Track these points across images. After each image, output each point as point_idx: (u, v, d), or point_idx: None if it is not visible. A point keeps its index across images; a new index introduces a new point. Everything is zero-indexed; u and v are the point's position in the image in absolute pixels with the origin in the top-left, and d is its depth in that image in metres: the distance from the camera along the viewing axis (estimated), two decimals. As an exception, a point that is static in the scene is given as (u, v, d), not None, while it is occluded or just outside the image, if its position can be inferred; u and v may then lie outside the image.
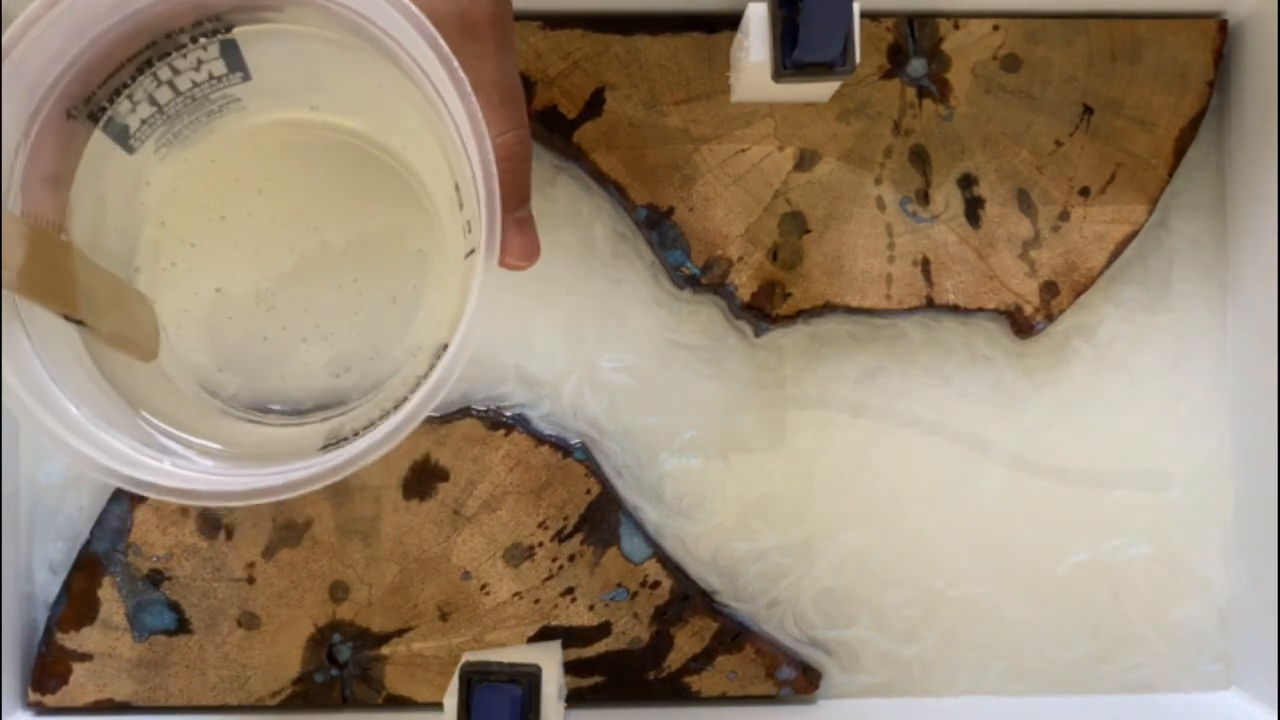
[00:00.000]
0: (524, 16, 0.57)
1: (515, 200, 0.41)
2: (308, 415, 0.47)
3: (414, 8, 0.36)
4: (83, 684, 0.56)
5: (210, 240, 0.46)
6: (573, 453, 0.57)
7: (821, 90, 0.55)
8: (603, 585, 0.57)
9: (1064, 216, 0.58)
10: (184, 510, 0.56)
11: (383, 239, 0.47)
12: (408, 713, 0.57)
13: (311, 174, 0.46)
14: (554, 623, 0.57)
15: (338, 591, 0.57)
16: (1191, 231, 0.60)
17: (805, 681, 0.58)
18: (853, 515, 0.59)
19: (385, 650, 0.57)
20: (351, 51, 0.41)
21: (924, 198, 0.57)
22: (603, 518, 0.57)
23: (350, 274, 0.46)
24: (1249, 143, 0.58)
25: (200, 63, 0.41)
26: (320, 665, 0.57)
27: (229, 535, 0.56)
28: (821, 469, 0.59)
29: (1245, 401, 0.59)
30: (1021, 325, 0.58)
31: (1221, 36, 0.58)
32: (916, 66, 0.58)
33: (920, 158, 0.58)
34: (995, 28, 0.58)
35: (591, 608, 0.57)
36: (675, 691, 0.57)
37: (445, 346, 0.39)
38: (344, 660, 0.57)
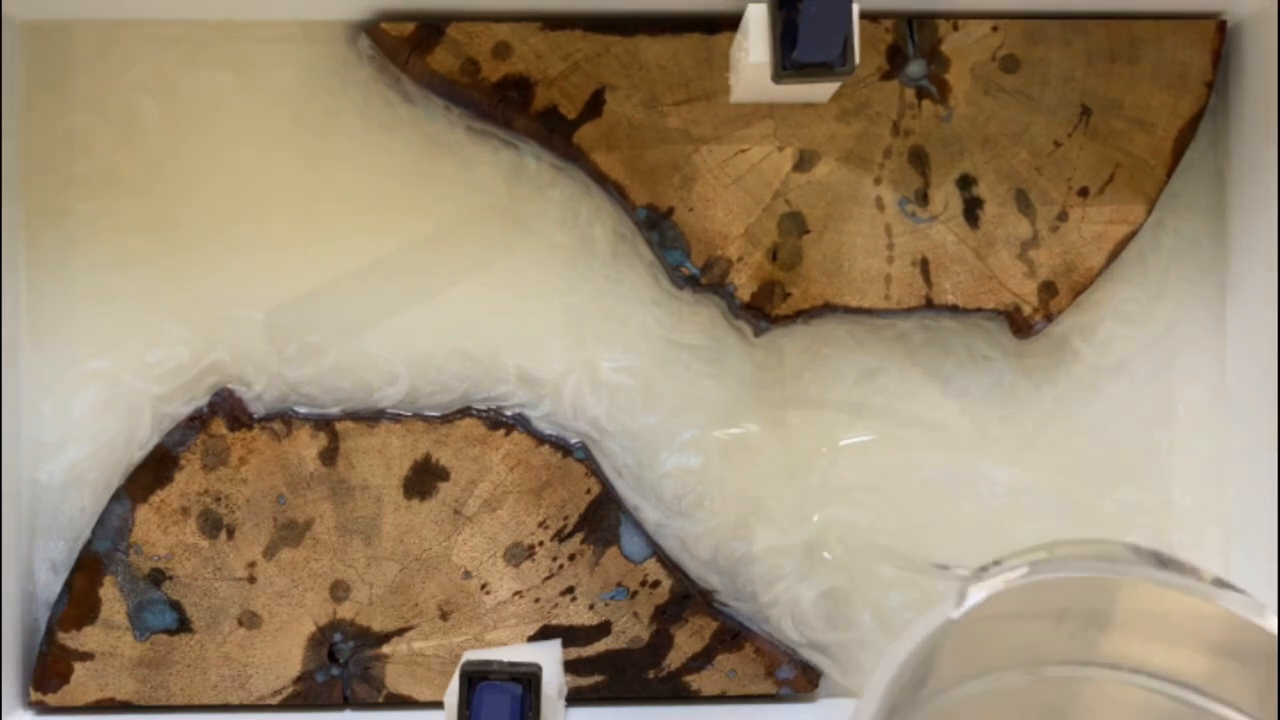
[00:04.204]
0: (524, 17, 0.57)
1: None
2: None
3: None
4: (84, 683, 0.56)
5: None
6: (573, 452, 0.57)
7: (821, 91, 0.55)
8: (603, 584, 0.57)
9: (1062, 217, 0.58)
10: (184, 509, 0.56)
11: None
12: (408, 712, 0.57)
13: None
14: (554, 622, 0.57)
15: (338, 591, 0.57)
16: (1190, 231, 0.60)
17: (805, 680, 0.58)
18: (853, 515, 0.59)
19: (386, 649, 0.57)
20: None
21: (923, 198, 0.58)
22: (603, 517, 0.57)
23: None
24: (1247, 143, 0.58)
25: None
26: (321, 664, 0.57)
27: (230, 535, 0.57)
28: (821, 469, 0.59)
29: (1244, 401, 0.59)
30: (1020, 325, 0.58)
31: (1220, 37, 0.58)
32: (915, 67, 0.58)
33: (919, 158, 0.58)
34: (994, 28, 0.58)
35: (591, 607, 0.57)
36: (675, 691, 0.57)
37: None
38: (345, 659, 0.57)
